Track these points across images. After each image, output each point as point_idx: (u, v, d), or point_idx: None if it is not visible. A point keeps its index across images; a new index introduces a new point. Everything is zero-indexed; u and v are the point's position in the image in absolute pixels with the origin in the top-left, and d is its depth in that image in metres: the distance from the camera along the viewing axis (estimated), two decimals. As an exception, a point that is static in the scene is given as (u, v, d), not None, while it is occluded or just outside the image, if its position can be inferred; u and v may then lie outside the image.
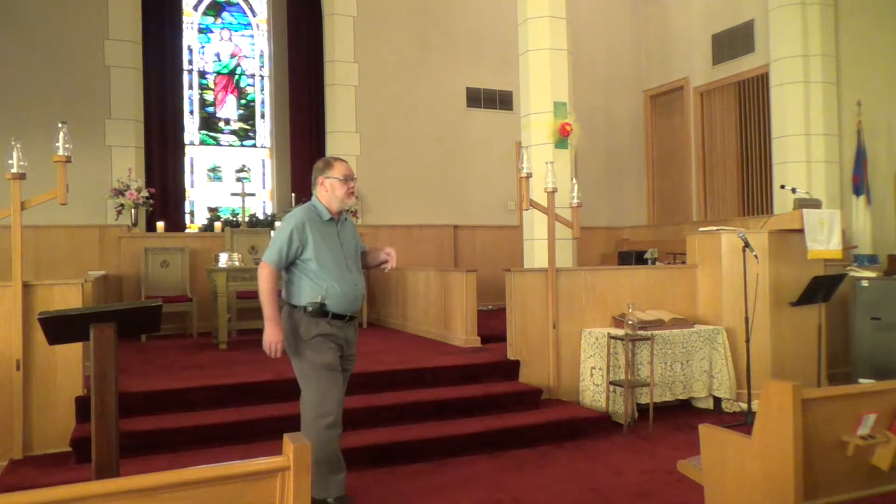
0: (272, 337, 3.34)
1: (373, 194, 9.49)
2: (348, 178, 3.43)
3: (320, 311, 3.34)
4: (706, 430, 2.63)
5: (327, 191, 3.44)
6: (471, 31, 10.15)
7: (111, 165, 8.38)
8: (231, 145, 9.89)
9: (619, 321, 5.40)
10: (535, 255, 6.97)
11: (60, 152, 4.10)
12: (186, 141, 9.44)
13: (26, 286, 4.24)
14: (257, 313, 7.68)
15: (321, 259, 3.36)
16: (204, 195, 9.64)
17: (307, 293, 3.37)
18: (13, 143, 4.16)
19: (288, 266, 3.40)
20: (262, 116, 10.08)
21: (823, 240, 5.35)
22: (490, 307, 8.62)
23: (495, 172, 9.75)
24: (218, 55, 9.94)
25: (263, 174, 10.00)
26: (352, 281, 3.44)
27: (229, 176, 9.78)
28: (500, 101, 10.29)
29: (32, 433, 4.24)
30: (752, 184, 9.17)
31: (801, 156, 7.55)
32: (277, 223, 8.52)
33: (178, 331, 7.86)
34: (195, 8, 9.78)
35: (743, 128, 9.29)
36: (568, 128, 6.93)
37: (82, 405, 4.23)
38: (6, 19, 8.06)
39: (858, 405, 2.39)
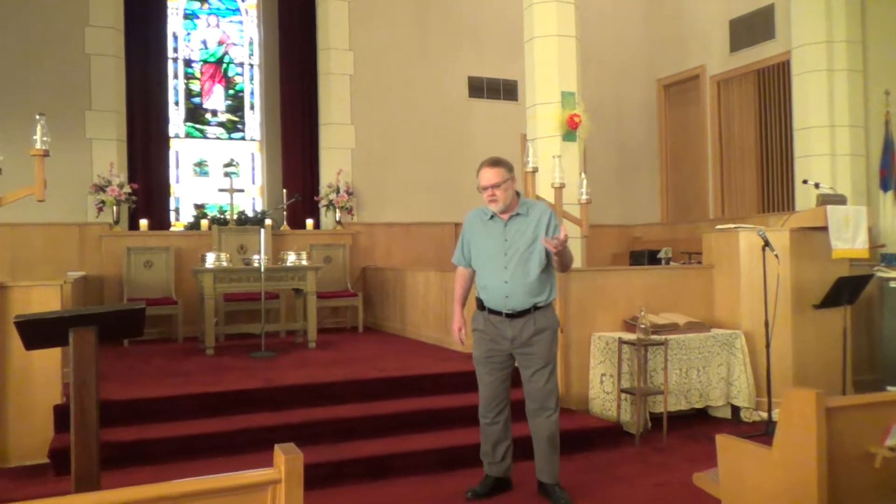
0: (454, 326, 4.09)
1: (369, 190, 9.50)
2: (484, 189, 3.78)
3: (480, 304, 3.91)
4: (724, 441, 2.63)
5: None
6: (473, 16, 10.14)
7: (92, 160, 8.39)
8: (218, 138, 9.89)
9: (630, 325, 5.40)
10: (542, 254, 6.96)
11: (38, 146, 4.12)
12: (171, 133, 9.45)
13: (1, 288, 4.25)
14: (246, 316, 7.82)
15: (477, 256, 3.91)
16: (190, 191, 9.64)
17: (477, 287, 3.95)
18: (-13, 135, 4.17)
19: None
20: (252, 108, 10.08)
21: (849, 238, 5.35)
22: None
23: (499, 167, 9.73)
24: (204, 42, 9.94)
25: (253, 169, 10.01)
26: (502, 278, 3.77)
27: (217, 171, 9.79)
28: (505, 90, 10.28)
29: (8, 444, 4.25)
30: (772, 179, 9.16)
31: (825, 149, 7.55)
32: (267, 221, 8.54)
33: (162, 335, 7.87)
34: (180, -8, 9.79)
35: (763, 119, 9.29)
36: (576, 119, 6.93)
37: (61, 414, 4.24)
38: (-20, 5, 8.07)
39: (886, 414, 2.38)
